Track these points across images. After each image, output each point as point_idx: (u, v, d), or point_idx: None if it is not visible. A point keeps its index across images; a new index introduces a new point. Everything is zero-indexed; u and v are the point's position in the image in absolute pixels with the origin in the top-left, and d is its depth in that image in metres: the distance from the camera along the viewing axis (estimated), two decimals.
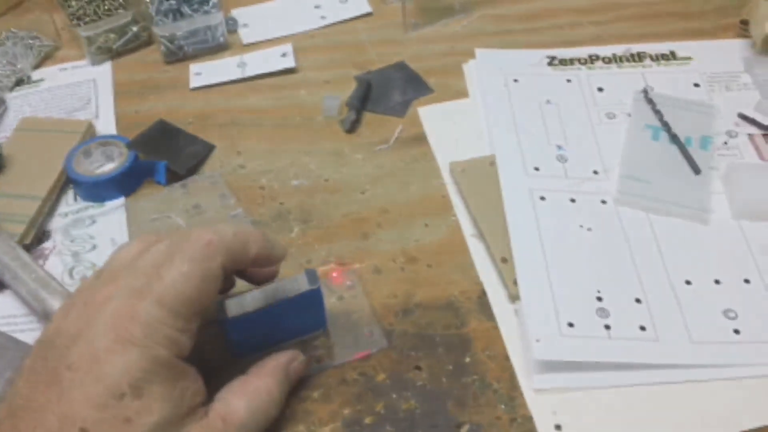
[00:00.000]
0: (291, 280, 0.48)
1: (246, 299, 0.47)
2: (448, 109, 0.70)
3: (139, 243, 0.45)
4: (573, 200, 0.59)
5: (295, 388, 0.49)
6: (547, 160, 0.62)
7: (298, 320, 0.49)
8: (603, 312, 0.51)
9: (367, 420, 0.48)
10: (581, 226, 0.57)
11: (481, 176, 0.62)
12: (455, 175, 0.62)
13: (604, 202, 0.59)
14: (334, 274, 0.55)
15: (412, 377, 0.50)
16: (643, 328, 0.51)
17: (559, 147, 0.64)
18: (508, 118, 0.67)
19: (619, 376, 0.49)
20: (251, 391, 0.44)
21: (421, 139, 0.68)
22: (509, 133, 0.65)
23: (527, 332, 0.50)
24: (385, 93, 0.73)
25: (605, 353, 0.49)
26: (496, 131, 0.65)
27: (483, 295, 0.54)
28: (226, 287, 0.49)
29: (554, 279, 0.53)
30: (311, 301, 0.48)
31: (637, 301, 0.52)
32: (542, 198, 0.59)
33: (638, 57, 0.73)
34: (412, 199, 0.62)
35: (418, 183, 0.63)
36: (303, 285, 0.47)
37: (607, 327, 0.50)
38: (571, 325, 0.50)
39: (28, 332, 0.54)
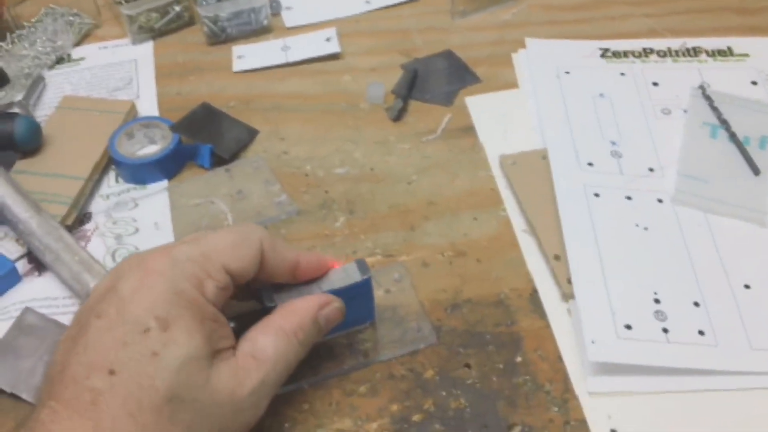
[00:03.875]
0: (341, 270, 0.46)
1: (294, 289, 0.46)
2: (497, 100, 0.68)
3: None
4: (629, 198, 0.57)
5: (341, 381, 0.48)
6: (601, 156, 0.61)
7: (347, 312, 0.48)
8: (661, 315, 0.50)
9: (416, 417, 0.46)
10: (637, 225, 0.55)
11: (532, 170, 0.60)
12: (505, 168, 0.61)
13: (660, 200, 0.57)
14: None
15: (462, 375, 0.48)
16: (701, 333, 0.49)
17: (613, 143, 0.62)
18: (560, 110, 0.65)
19: (676, 381, 0.47)
20: (278, 329, 0.43)
21: (468, 129, 0.66)
22: (561, 127, 0.63)
23: (582, 333, 0.49)
24: (432, 81, 0.71)
25: (663, 358, 0.47)
26: (548, 124, 0.64)
27: (534, 292, 0.53)
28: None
29: (610, 279, 0.52)
30: (361, 292, 0.47)
31: (696, 304, 0.50)
32: (597, 195, 0.57)
33: (694, 52, 0.71)
34: (460, 192, 0.61)
35: (466, 175, 0.62)
36: (354, 275, 0.46)
37: (665, 330, 0.49)
38: (628, 327, 0.49)
39: (70, 315, 0.53)
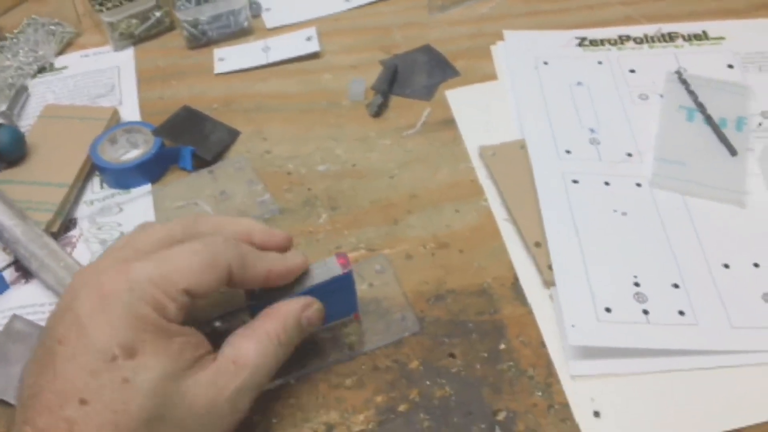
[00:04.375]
0: (320, 264, 0.47)
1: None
2: (477, 92, 0.69)
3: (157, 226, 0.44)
4: (607, 183, 0.58)
5: (327, 374, 0.49)
6: (580, 143, 0.61)
7: (329, 306, 0.48)
8: (640, 297, 0.50)
9: (401, 407, 0.47)
10: (615, 210, 0.56)
11: (512, 160, 0.60)
12: (485, 159, 0.61)
13: (638, 185, 0.58)
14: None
15: (446, 364, 0.49)
16: (681, 313, 0.49)
17: (592, 130, 0.62)
18: (539, 100, 0.65)
19: (657, 362, 0.48)
20: (260, 334, 0.43)
21: (449, 122, 0.67)
22: (540, 116, 0.64)
23: (562, 318, 0.49)
24: (411, 76, 0.71)
25: (644, 339, 0.48)
26: (526, 114, 0.64)
27: (516, 280, 0.53)
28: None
29: (589, 263, 0.52)
30: (343, 285, 0.48)
31: (675, 286, 0.51)
32: (575, 181, 0.58)
33: (669, 37, 0.71)
34: (442, 184, 0.61)
35: (447, 167, 0.62)
36: (334, 269, 0.47)
37: (645, 312, 0.49)
38: (608, 310, 0.49)
39: None
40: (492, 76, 0.71)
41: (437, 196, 0.60)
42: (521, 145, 0.61)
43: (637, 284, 0.51)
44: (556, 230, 0.54)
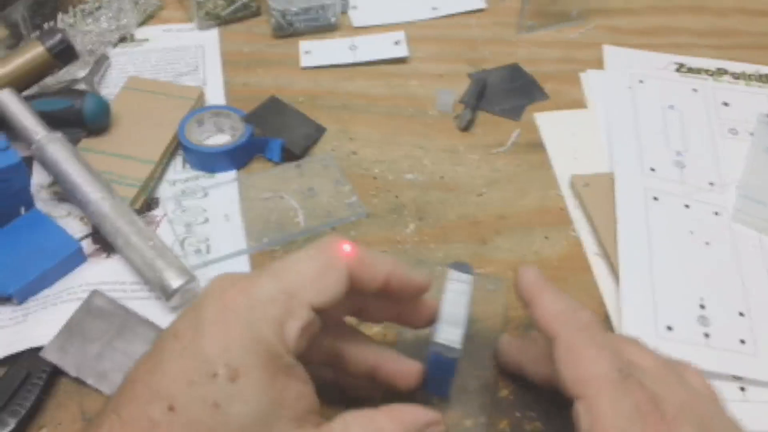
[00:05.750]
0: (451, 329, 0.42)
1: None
2: (566, 119, 0.68)
3: None
4: (687, 206, 0.59)
5: None
6: (665, 163, 0.62)
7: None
8: (704, 320, 0.51)
9: None
10: (691, 233, 0.57)
11: (605, 193, 0.60)
12: (577, 189, 0.61)
13: (717, 213, 0.58)
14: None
15: (536, 397, 0.48)
16: (743, 342, 0.50)
17: (678, 153, 0.63)
18: (629, 116, 0.66)
19: None
20: (376, 428, 0.38)
21: (537, 146, 0.66)
22: (628, 131, 0.65)
23: (621, 329, 0.50)
24: (500, 94, 0.71)
25: (702, 361, 0.48)
26: (616, 128, 0.65)
27: (607, 318, 0.52)
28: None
29: (657, 280, 0.53)
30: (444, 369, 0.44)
31: (741, 314, 0.51)
32: (655, 198, 0.59)
33: (767, 79, 0.71)
34: (530, 208, 0.60)
35: (535, 192, 0.62)
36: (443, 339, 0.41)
37: (707, 335, 0.50)
38: (669, 328, 0.50)
39: (137, 300, 0.53)
40: (580, 104, 0.70)
41: (526, 219, 0.59)
42: (614, 178, 0.61)
43: (702, 306, 0.52)
44: (629, 243, 0.55)
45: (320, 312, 0.38)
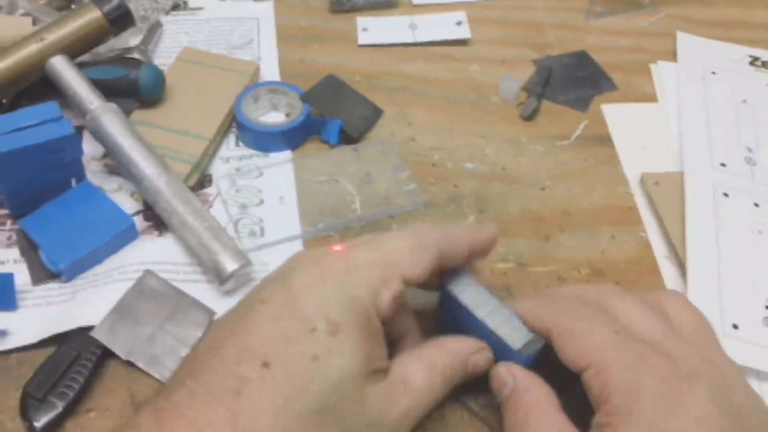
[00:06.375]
0: (514, 329, 0.41)
1: (476, 294, 0.42)
2: (636, 112, 0.65)
3: None
4: (756, 204, 0.56)
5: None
6: (735, 159, 0.60)
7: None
8: None
9: None
10: (761, 232, 0.54)
11: (676, 192, 0.57)
12: (647, 188, 0.58)
13: None
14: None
15: None
16: None
17: (749, 149, 0.61)
18: (700, 108, 0.64)
19: None
20: (429, 362, 0.40)
21: (605, 139, 0.63)
22: (699, 124, 0.62)
23: None
24: (565, 82, 0.68)
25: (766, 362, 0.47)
26: (687, 119, 0.63)
27: None
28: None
29: (724, 277, 0.51)
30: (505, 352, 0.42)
31: None
32: (726, 194, 0.57)
33: None
34: (596, 205, 0.58)
35: (602, 188, 0.59)
36: (518, 342, 0.41)
37: None
38: (735, 327, 0.48)
39: (189, 283, 0.51)
40: (651, 97, 0.67)
41: (591, 217, 0.57)
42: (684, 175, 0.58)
43: None
44: (698, 238, 0.53)
45: (408, 285, 0.40)
